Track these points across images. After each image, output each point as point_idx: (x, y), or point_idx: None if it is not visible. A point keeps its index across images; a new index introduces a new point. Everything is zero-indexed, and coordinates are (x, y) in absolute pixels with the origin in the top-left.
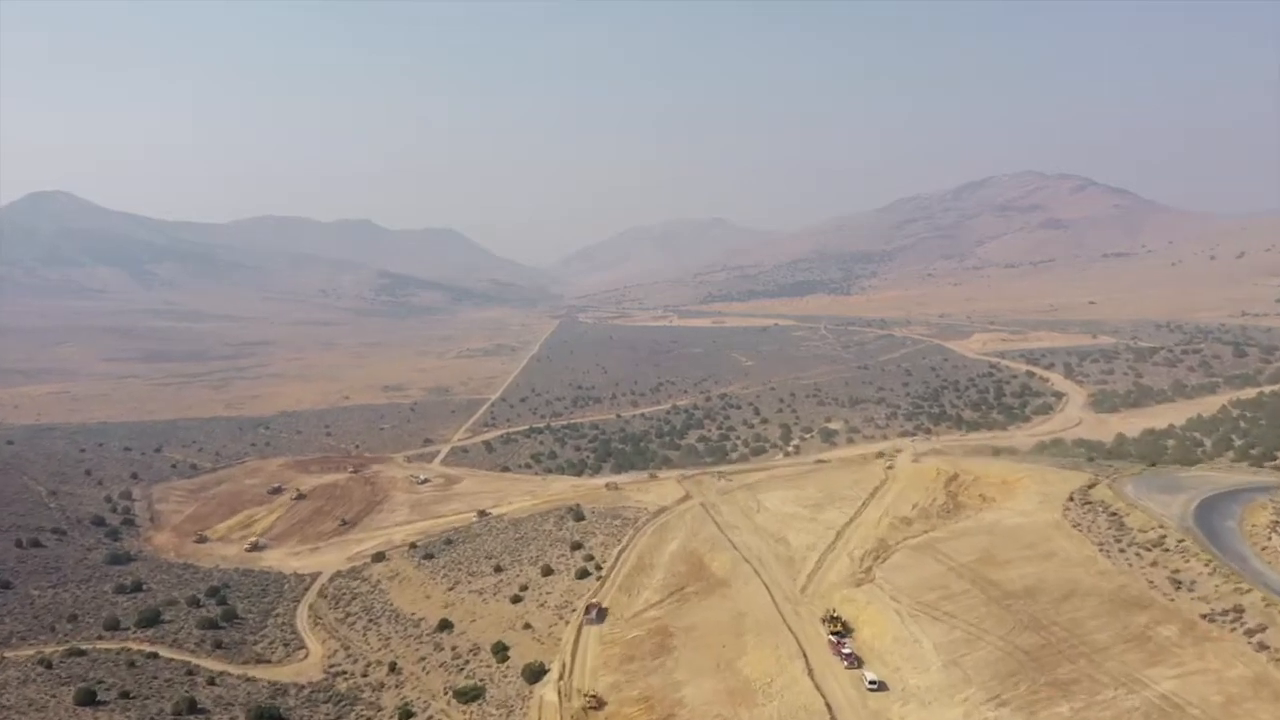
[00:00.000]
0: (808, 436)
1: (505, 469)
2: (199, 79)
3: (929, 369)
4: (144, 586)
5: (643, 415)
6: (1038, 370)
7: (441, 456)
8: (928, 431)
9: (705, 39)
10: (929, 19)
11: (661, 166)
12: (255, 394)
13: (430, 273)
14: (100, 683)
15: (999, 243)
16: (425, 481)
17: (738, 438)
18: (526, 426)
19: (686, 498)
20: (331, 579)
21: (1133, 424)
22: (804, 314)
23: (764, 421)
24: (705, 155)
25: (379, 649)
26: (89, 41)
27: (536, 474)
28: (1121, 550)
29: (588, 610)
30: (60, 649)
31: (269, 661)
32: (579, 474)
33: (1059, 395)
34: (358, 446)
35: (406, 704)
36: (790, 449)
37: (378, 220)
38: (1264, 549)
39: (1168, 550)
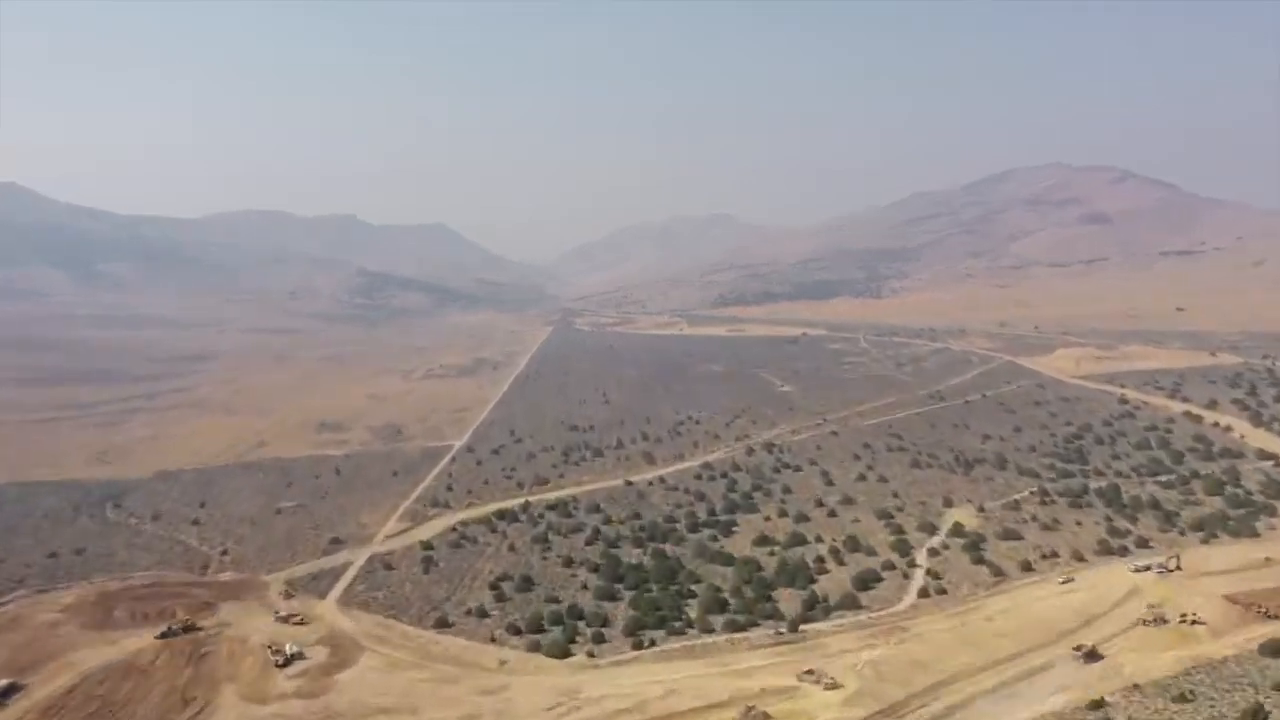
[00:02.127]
0: (942, 549)
1: (442, 622)
2: (197, 78)
3: (1032, 403)
4: None
5: (663, 481)
6: (1193, 407)
7: (350, 576)
8: (1145, 544)
9: (705, 39)
10: (929, 19)
11: (661, 165)
12: (149, 435)
13: (417, 272)
14: None
15: (1035, 239)
16: (292, 660)
17: (820, 543)
18: (493, 509)
19: None
20: None
21: None
22: (833, 320)
23: (848, 504)
24: (706, 152)
25: None
26: (88, 41)
27: (492, 641)
28: None
29: None
30: None
31: None
32: (568, 645)
33: (1271, 457)
34: (225, 552)
35: None
36: (926, 579)
37: (363, 215)
38: None
39: None
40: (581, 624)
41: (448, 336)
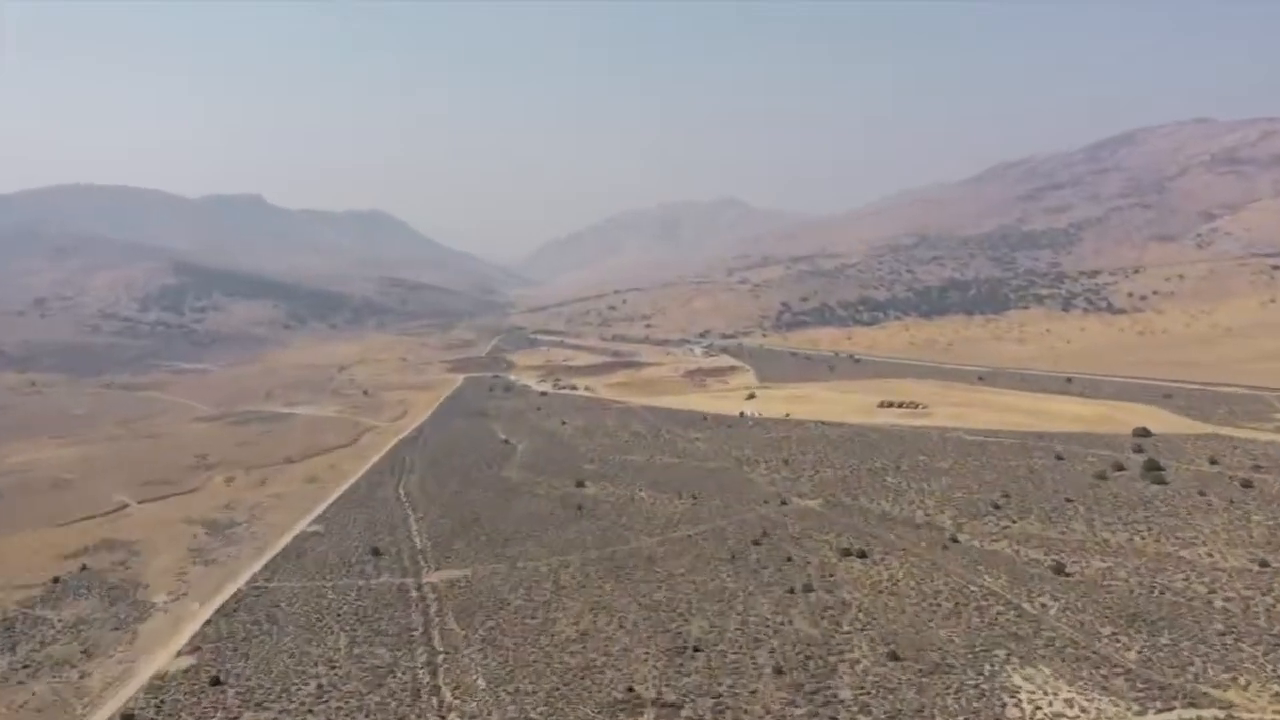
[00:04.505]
0: None
1: None
2: (171, 71)
3: None
4: None
5: None
6: None
7: None
8: None
9: (705, 26)
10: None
11: (660, 152)
12: None
13: (328, 266)
14: None
15: (1257, 211)
16: None
17: None
18: None
19: None
20: None
21: None
22: (1074, 365)
23: None
24: (709, 135)
25: None
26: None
27: None
28: None
29: None
30: None
31: None
32: None
33: None
34: None
35: None
36: None
37: (269, 197)
38: None
39: None
40: None
41: (202, 411)
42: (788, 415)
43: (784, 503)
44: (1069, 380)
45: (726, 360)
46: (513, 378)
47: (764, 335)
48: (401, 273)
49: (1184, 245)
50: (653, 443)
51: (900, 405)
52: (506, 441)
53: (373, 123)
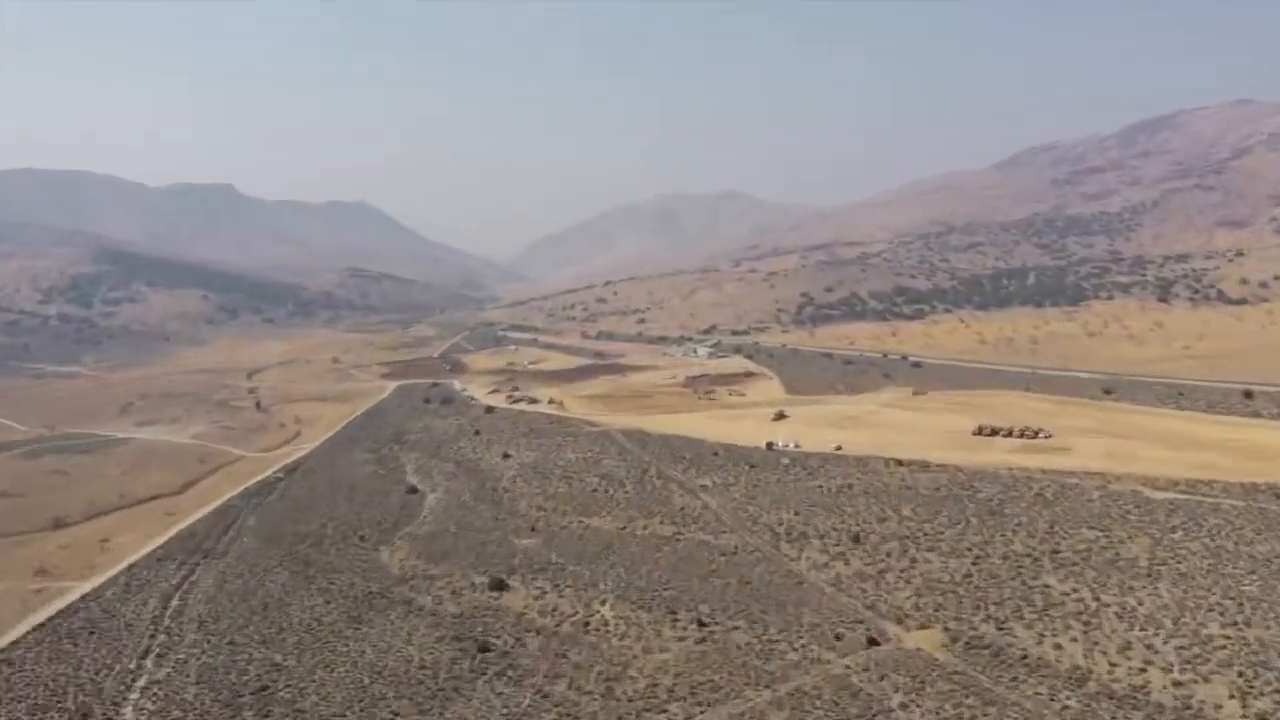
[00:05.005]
0: None
1: None
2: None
3: None
4: None
5: None
6: None
7: None
8: None
9: (704, 20)
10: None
11: (661, 152)
12: None
13: (293, 257)
14: None
15: None
16: None
17: None
18: None
19: None
20: None
21: None
22: (1209, 367)
23: None
24: (709, 134)
25: None
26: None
27: None
28: None
29: None
30: None
31: None
32: None
33: None
34: None
35: None
36: None
37: (241, 187)
38: None
39: None
40: None
41: (12, 434)
42: (839, 448)
43: (874, 640)
44: (1248, 395)
45: (740, 363)
46: (458, 386)
47: (784, 331)
48: (374, 265)
49: (1259, 230)
50: (634, 494)
51: (1011, 434)
52: (413, 490)
53: (373, 122)
